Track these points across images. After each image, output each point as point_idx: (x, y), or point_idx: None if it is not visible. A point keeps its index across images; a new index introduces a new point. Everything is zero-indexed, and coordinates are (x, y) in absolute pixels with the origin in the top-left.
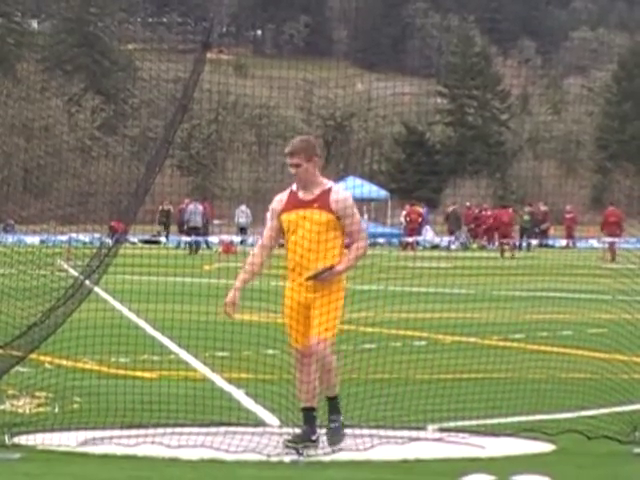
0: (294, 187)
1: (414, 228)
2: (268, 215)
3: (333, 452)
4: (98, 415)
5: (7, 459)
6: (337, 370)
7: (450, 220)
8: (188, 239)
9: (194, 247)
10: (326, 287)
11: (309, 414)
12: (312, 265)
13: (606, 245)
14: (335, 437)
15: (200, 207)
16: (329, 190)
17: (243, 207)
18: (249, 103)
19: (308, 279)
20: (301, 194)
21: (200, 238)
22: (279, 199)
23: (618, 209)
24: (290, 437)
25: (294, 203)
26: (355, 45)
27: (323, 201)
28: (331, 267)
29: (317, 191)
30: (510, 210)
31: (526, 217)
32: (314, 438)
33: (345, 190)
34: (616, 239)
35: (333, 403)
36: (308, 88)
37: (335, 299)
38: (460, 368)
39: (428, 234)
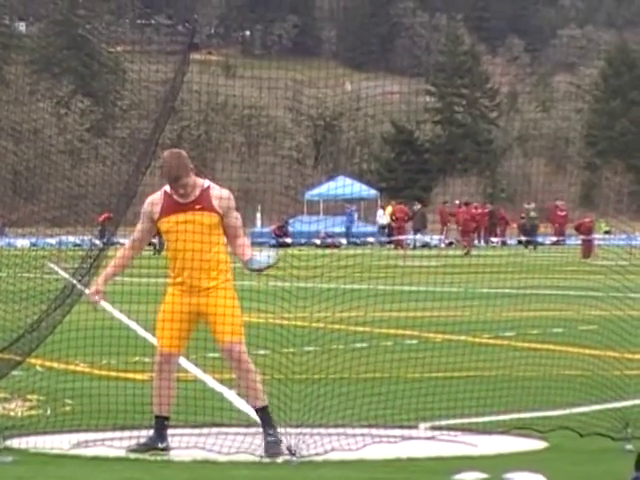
0: (167, 188)
1: (401, 227)
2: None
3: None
4: (90, 417)
5: None
6: (259, 377)
7: (415, 219)
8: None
9: (157, 248)
10: (220, 293)
11: (161, 423)
12: (198, 270)
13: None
14: (272, 450)
15: None
16: (208, 189)
17: None
18: (238, 104)
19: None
20: (177, 196)
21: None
22: (151, 201)
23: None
24: (135, 444)
25: (172, 207)
26: (343, 45)
27: (205, 202)
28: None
29: (196, 192)
30: (470, 208)
31: (533, 214)
32: (162, 446)
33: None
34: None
35: (264, 415)
36: (297, 88)
37: (232, 304)
38: (451, 366)
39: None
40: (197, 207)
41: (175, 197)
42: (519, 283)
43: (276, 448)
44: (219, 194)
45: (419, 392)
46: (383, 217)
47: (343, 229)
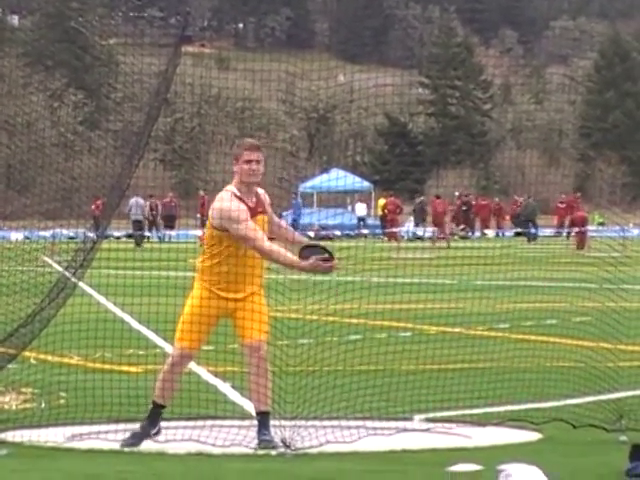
0: (234, 189)
1: (394, 219)
2: (237, 216)
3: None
4: (84, 410)
5: None
6: (270, 383)
7: (416, 212)
8: (136, 232)
9: (138, 240)
10: (254, 299)
11: (157, 410)
12: (243, 275)
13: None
14: (265, 444)
15: (142, 201)
16: (261, 195)
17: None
18: (231, 96)
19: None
20: (246, 199)
21: (142, 232)
22: (237, 204)
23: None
24: (129, 437)
25: (250, 211)
26: (336, 37)
27: (262, 206)
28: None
29: (254, 196)
30: (445, 200)
31: (534, 203)
32: (153, 432)
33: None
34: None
35: (263, 419)
36: (290, 81)
37: (259, 309)
38: (445, 358)
39: (411, 225)
40: (259, 210)
41: (246, 200)
42: (513, 275)
43: (269, 446)
44: (266, 198)
45: (413, 384)
46: (362, 209)
47: (337, 221)
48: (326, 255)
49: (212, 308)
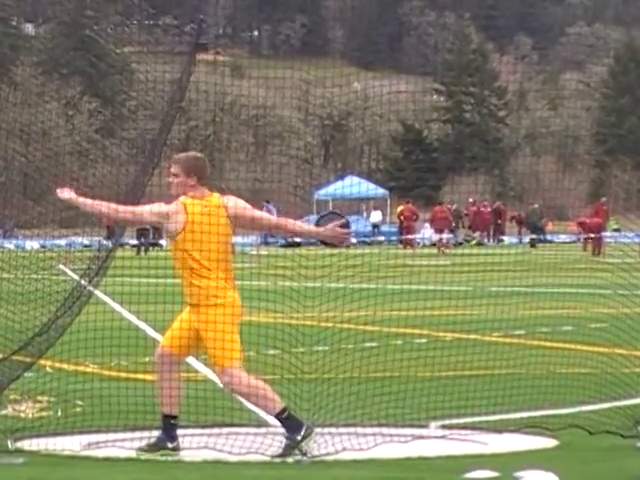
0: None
1: (410, 226)
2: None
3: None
4: (101, 418)
5: (10, 464)
6: (261, 390)
7: (453, 218)
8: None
9: (143, 248)
10: (210, 316)
11: (167, 421)
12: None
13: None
14: (285, 451)
15: None
16: (213, 205)
17: None
18: (246, 104)
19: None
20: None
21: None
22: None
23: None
24: (145, 445)
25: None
26: (351, 44)
27: (208, 219)
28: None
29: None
30: (446, 206)
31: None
32: (171, 446)
33: None
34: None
35: (281, 420)
36: (305, 88)
37: (222, 328)
38: (461, 365)
39: (427, 232)
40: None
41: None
42: (528, 281)
43: (287, 450)
44: (229, 206)
45: (429, 391)
46: (376, 216)
47: (351, 228)
48: (344, 220)
49: (189, 321)
